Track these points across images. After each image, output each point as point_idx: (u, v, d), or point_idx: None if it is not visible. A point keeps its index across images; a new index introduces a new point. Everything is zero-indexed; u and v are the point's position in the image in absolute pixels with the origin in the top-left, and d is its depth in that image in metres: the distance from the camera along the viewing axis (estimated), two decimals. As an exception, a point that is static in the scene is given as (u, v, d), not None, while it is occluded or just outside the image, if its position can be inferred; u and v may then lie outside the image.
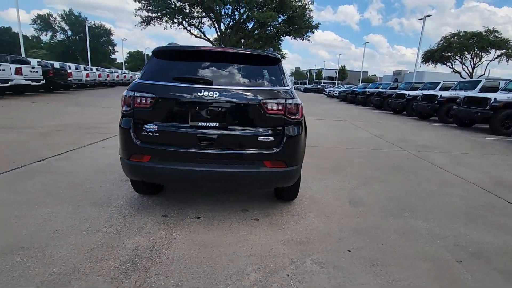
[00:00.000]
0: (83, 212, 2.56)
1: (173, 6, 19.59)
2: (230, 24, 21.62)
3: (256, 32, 21.51)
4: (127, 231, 2.31)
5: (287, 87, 2.41)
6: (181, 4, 19.40)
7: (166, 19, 20.28)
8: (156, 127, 2.24)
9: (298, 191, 2.94)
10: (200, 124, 2.26)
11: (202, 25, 22.64)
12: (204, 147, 2.26)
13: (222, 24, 21.59)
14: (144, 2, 18.83)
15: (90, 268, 1.83)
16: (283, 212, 2.82)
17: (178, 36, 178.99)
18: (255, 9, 18.69)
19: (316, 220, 2.68)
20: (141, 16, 19.66)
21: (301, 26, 19.86)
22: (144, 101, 2.23)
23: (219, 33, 21.63)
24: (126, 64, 69.73)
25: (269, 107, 2.27)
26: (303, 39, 21.44)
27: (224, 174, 2.28)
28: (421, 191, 3.55)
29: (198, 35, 22.30)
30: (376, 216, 2.83)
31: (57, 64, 17.11)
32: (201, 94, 2.20)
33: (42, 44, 45.98)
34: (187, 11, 20.65)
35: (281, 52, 43.08)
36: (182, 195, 3.03)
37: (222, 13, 20.73)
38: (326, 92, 33.37)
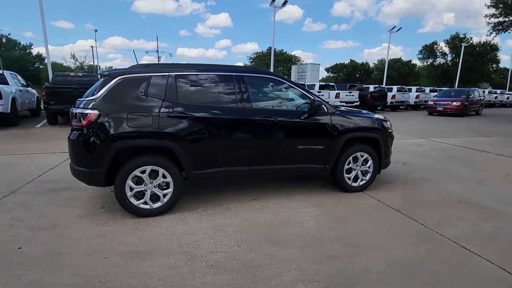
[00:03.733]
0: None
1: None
2: None
3: None
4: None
5: (90, 98, 2.84)
6: None
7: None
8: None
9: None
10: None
11: None
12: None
13: None
14: (500, 6, 14.86)
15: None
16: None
17: None
18: None
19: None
20: (494, 23, 15.63)
21: None
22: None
23: None
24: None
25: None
26: None
27: None
28: None
29: None
30: None
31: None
32: None
33: (417, 69, 51.16)
34: None
35: None
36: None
37: None
38: None
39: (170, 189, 3.03)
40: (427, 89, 23.11)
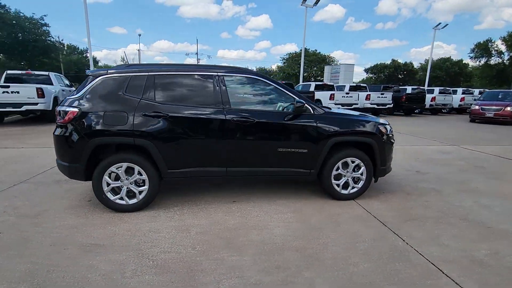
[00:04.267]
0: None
1: None
2: None
3: None
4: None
5: (73, 96, 3.01)
6: None
7: None
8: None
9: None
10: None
11: None
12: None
13: None
14: None
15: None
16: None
17: None
18: None
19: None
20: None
21: None
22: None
23: None
24: None
25: None
26: None
27: None
28: None
29: None
30: None
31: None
32: None
33: (470, 69, 46.39)
34: None
35: None
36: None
37: None
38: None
39: (146, 186, 3.10)
40: (476, 91, 20.90)
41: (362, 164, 3.49)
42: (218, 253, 2.37)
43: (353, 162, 3.48)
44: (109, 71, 3.12)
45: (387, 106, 15.43)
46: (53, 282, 1.97)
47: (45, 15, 24.09)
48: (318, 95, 14.54)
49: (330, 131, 3.35)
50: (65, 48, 48.83)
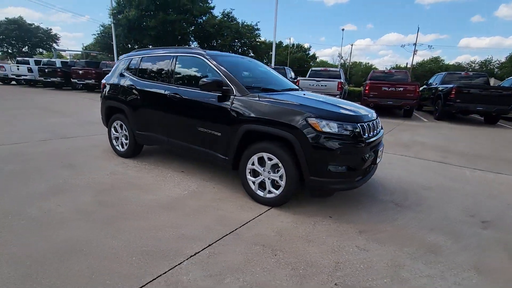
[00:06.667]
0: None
1: None
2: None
3: None
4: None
5: (109, 74, 4.52)
6: None
7: None
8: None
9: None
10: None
11: None
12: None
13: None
14: None
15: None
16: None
17: None
18: None
19: None
20: None
21: None
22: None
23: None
24: None
25: None
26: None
27: None
28: None
29: None
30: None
31: None
32: None
33: None
34: None
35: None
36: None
37: None
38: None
39: (128, 140, 4.18)
40: None
41: (280, 164, 2.72)
42: (90, 191, 3.06)
43: (270, 159, 2.79)
44: (127, 54, 4.38)
45: None
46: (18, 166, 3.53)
47: (258, 22, 30.28)
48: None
49: (243, 117, 2.89)
50: (294, 47, 58.92)
